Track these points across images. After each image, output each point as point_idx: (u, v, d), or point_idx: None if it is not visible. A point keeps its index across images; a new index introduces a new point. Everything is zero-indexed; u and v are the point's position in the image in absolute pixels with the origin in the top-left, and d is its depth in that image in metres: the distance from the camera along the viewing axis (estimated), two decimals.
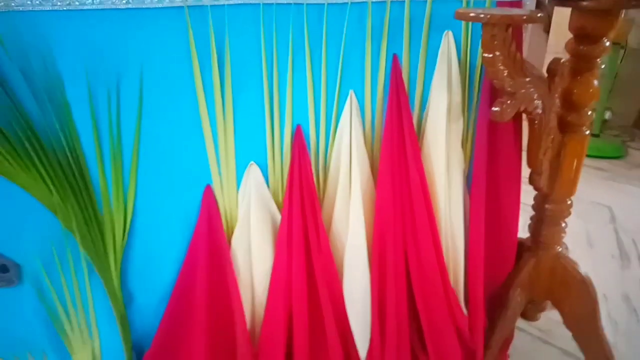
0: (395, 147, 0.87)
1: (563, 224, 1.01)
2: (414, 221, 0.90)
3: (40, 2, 0.68)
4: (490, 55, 0.76)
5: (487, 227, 0.96)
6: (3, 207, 0.80)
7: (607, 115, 2.45)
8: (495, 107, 0.80)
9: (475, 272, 0.96)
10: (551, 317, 1.23)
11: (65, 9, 0.69)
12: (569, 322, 1.05)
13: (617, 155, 2.39)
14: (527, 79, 0.83)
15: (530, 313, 1.25)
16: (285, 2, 0.75)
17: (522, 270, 1.03)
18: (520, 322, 1.24)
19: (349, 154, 0.87)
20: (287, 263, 0.90)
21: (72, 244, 0.84)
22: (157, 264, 0.89)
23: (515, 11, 0.76)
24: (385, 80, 0.86)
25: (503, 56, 0.76)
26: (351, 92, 0.85)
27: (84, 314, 0.89)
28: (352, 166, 0.87)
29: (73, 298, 0.88)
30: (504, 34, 0.74)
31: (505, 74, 0.78)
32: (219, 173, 0.86)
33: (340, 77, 0.83)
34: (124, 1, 0.69)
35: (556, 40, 2.13)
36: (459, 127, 0.90)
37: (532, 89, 0.84)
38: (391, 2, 0.80)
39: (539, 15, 0.72)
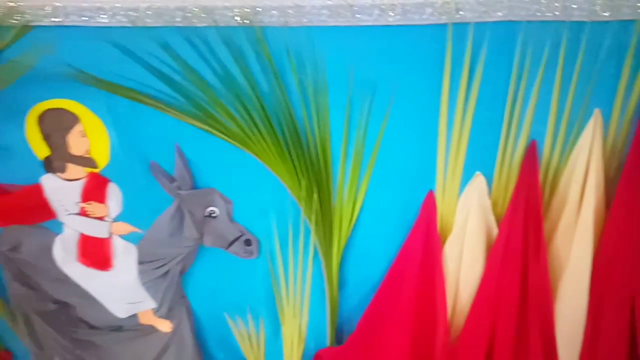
0: None
1: None
2: None
3: (325, 19, 0.77)
4: None
5: None
6: (257, 191, 0.94)
7: None
8: None
9: None
10: None
11: (345, 24, 0.78)
12: None
13: None
14: None
15: None
16: (547, 19, 0.75)
17: None
18: None
19: (584, 175, 0.84)
20: (498, 275, 0.90)
21: (306, 229, 0.95)
22: (372, 256, 0.96)
23: None
24: (638, 101, 0.81)
25: None
26: (597, 111, 0.82)
27: (301, 291, 1.00)
28: (586, 189, 0.84)
29: (295, 276, 0.99)
30: None
31: None
32: (444, 180, 0.90)
33: (589, 95, 0.81)
34: (396, 17, 0.76)
35: None
36: None
37: None
38: None
39: None
